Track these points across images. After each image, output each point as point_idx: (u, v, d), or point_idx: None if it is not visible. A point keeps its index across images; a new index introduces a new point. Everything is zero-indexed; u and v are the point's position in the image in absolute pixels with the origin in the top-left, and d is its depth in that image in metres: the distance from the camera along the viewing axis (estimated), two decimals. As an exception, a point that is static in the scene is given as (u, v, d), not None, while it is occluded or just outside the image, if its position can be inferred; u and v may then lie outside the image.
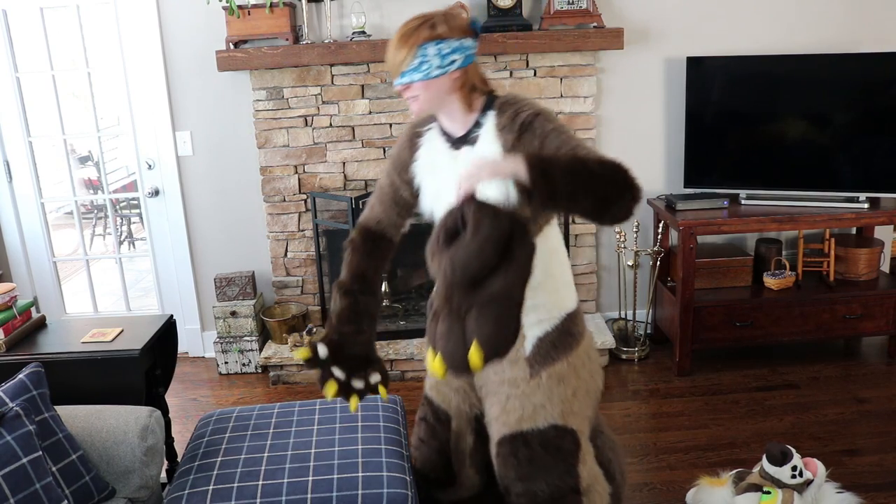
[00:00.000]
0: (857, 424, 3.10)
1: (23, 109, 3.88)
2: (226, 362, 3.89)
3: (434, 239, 1.51)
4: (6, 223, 4.02)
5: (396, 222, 1.97)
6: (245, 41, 3.63)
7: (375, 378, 1.88)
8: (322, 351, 1.82)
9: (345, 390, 1.84)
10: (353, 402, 1.85)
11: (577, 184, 1.46)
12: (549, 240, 1.83)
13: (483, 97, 1.76)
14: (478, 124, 1.74)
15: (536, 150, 1.65)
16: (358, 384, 1.85)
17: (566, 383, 1.85)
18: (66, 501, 1.88)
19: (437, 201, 1.81)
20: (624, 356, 3.81)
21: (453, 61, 1.67)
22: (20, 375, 2.01)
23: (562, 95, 3.74)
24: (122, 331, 2.58)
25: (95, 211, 6.20)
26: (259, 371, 3.89)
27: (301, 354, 1.82)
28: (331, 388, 1.82)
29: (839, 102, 3.51)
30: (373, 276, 1.95)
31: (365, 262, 1.94)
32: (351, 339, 1.87)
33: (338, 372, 1.82)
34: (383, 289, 3.90)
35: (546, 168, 1.45)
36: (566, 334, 1.86)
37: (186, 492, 2.00)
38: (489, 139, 1.72)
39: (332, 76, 3.70)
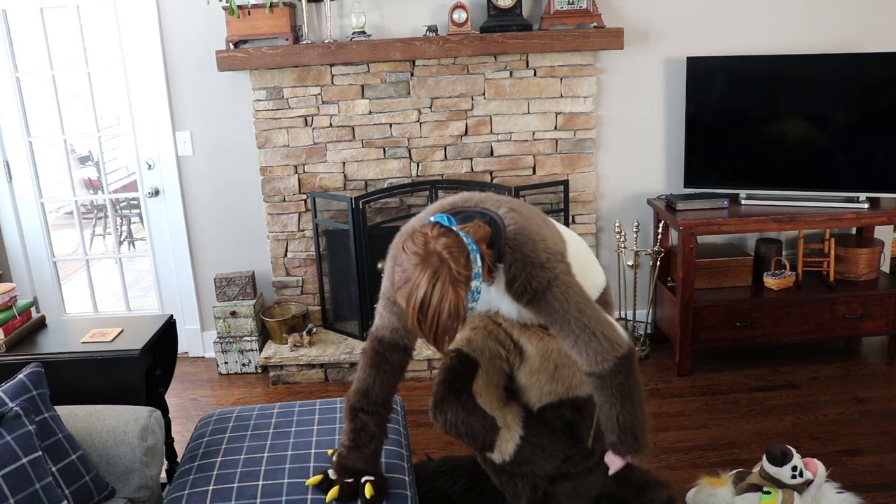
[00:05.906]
0: (857, 424, 3.10)
1: (23, 109, 3.88)
2: (226, 362, 3.89)
3: None
4: (6, 223, 4.02)
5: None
6: (245, 41, 3.63)
7: (366, 479, 1.96)
8: (331, 474, 1.99)
9: (333, 487, 1.97)
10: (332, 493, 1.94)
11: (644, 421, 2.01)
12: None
13: (492, 247, 1.74)
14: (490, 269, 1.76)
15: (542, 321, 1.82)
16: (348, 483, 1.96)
17: None
18: (65, 501, 1.87)
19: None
20: (624, 356, 3.81)
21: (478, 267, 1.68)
22: (20, 375, 2.01)
23: (562, 95, 3.74)
24: (122, 331, 2.58)
25: (95, 211, 6.19)
26: (259, 371, 3.89)
27: (312, 482, 1.99)
28: (331, 493, 1.94)
29: (839, 102, 3.51)
30: (378, 393, 1.98)
31: (372, 378, 1.98)
32: (353, 455, 1.97)
33: (332, 474, 1.98)
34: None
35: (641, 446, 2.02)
36: (605, 305, 2.08)
37: (186, 492, 2.00)
38: (500, 292, 1.82)
39: (332, 76, 3.70)
